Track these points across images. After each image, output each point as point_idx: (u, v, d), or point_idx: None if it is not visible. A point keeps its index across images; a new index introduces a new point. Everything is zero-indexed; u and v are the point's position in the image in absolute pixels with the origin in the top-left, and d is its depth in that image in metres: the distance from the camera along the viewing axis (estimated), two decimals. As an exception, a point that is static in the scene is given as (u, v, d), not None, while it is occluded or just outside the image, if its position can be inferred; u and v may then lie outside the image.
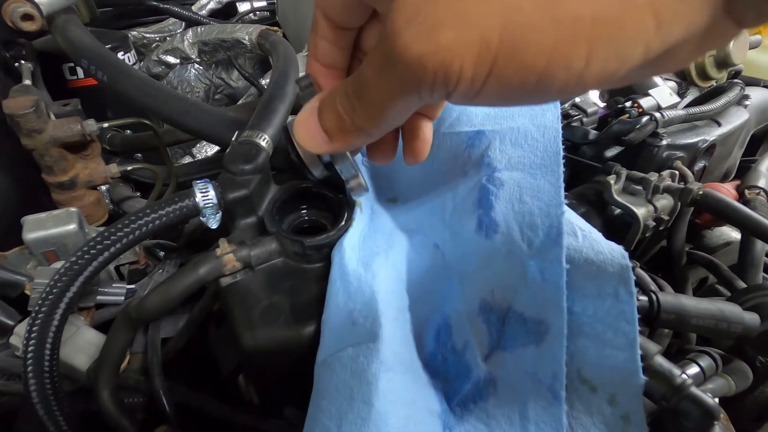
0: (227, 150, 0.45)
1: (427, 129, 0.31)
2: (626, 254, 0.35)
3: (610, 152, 0.65)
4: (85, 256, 0.37)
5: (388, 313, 0.34)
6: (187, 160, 1.00)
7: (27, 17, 0.60)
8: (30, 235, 0.54)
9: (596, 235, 0.37)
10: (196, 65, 1.11)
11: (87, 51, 0.57)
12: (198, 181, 0.41)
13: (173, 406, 0.46)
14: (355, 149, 0.32)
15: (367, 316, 0.34)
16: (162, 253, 0.63)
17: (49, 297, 0.37)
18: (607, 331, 0.34)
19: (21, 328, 0.49)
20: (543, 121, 0.43)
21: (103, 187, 0.68)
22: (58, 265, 0.54)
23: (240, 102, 1.11)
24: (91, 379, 0.46)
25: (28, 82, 0.60)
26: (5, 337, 0.50)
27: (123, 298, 0.56)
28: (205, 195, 0.40)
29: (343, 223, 0.40)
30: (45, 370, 0.38)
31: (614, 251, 0.35)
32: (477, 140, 0.44)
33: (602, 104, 0.68)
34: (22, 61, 0.65)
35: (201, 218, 0.41)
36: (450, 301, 0.38)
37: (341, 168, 0.30)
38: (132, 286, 0.57)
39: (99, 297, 0.55)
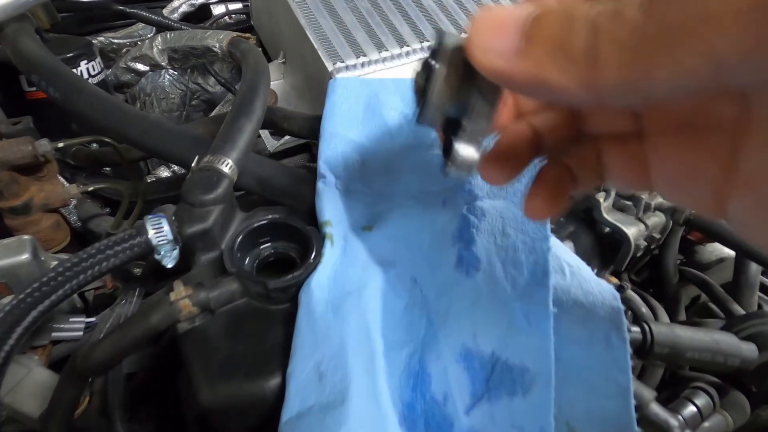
0: (186, 178, 0.42)
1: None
2: (617, 295, 0.32)
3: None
4: (21, 305, 0.33)
5: (358, 364, 0.31)
6: (163, 170, 0.96)
7: (-29, 28, 0.55)
8: (-22, 266, 0.50)
9: (585, 272, 0.34)
10: (170, 71, 1.07)
11: (38, 65, 0.53)
12: (150, 216, 0.37)
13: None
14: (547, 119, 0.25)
15: (336, 368, 0.30)
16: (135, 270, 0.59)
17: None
18: (598, 379, 0.31)
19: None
20: None
21: (72, 203, 0.64)
22: (7, 299, 0.50)
23: (216, 109, 1.06)
24: (42, 429, 0.42)
25: (-27, 98, 0.55)
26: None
27: (81, 333, 0.52)
28: (158, 231, 0.37)
29: (311, 260, 0.37)
30: None
31: (605, 291, 0.32)
32: (457, 165, 0.40)
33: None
34: (-30, 75, 0.60)
35: (156, 256, 0.38)
36: (428, 344, 0.35)
37: (471, 128, 0.22)
38: (92, 320, 0.53)
39: (54, 333, 0.51)
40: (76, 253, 0.35)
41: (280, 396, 0.32)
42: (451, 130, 0.23)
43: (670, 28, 0.13)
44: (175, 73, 1.10)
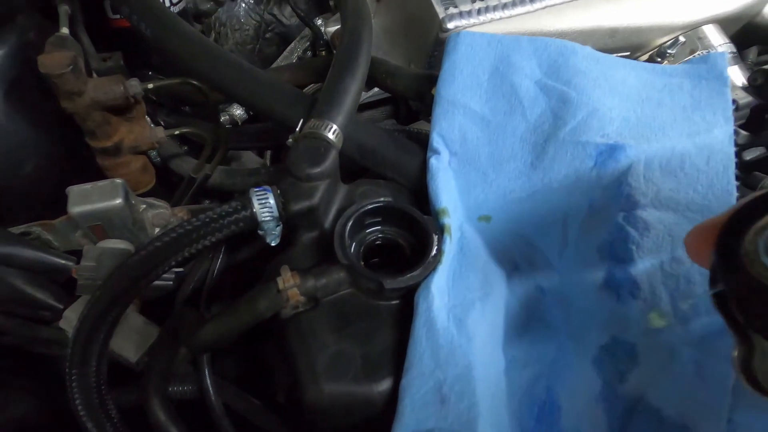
0: (289, 143, 0.37)
1: None
2: None
3: (751, 155, 0.51)
4: (130, 276, 0.32)
5: (486, 392, 0.27)
6: (236, 108, 0.93)
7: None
8: (75, 209, 0.50)
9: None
10: (247, 0, 1.01)
11: (128, -5, 0.49)
12: (256, 189, 0.34)
13: (221, 405, 0.43)
14: None
15: (462, 395, 0.27)
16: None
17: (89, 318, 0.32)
18: None
19: (70, 313, 0.47)
20: (708, 140, 0.32)
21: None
22: (104, 244, 0.51)
23: (292, 45, 1.00)
24: (141, 371, 0.43)
25: (65, 30, 0.52)
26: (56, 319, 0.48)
27: (171, 282, 0.52)
28: (264, 206, 0.33)
29: (430, 258, 0.32)
30: (92, 383, 0.35)
31: None
32: (612, 158, 0.33)
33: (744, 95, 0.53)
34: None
35: (259, 232, 0.35)
36: (559, 372, 0.30)
37: None
38: (181, 269, 0.53)
39: (147, 281, 0.52)
40: (182, 224, 0.33)
41: (389, 400, 0.30)
42: None
43: None
44: (252, 2, 1.03)
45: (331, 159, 0.36)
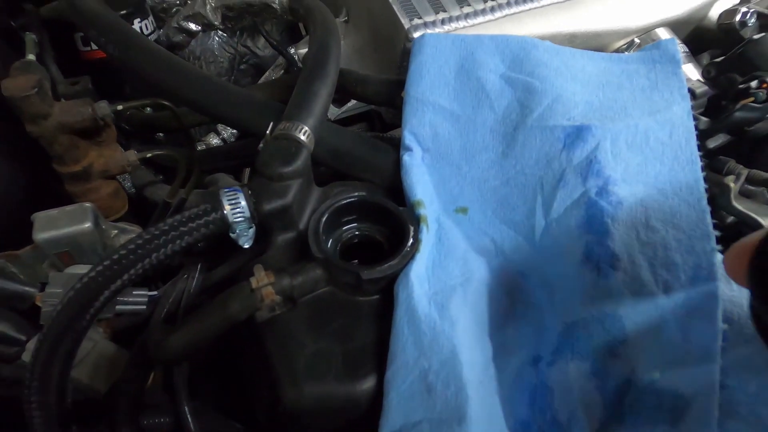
0: (260, 147, 0.37)
1: None
2: None
3: (715, 142, 0.53)
4: (91, 286, 0.30)
5: (473, 377, 0.26)
6: (212, 137, 0.93)
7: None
8: (41, 235, 0.48)
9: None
10: (220, 32, 1.03)
11: (96, 20, 0.49)
12: (226, 190, 0.33)
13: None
14: None
15: (448, 382, 0.26)
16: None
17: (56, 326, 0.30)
18: None
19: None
20: (669, 116, 0.33)
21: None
22: (72, 270, 0.48)
23: (266, 74, 1.01)
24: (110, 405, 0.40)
25: (31, 57, 0.52)
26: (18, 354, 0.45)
27: (144, 306, 0.50)
28: (235, 207, 0.33)
29: (408, 247, 0.32)
30: (50, 403, 0.32)
31: None
32: (579, 138, 0.34)
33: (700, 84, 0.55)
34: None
35: (231, 234, 0.34)
36: (547, 354, 0.29)
37: None
38: (154, 293, 0.51)
39: (118, 306, 0.49)
40: (148, 229, 0.32)
41: (373, 400, 0.28)
42: None
43: None
44: (225, 35, 1.05)
45: (303, 158, 0.36)
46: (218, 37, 1.07)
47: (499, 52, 0.40)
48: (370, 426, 0.27)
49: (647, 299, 0.27)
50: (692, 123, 0.33)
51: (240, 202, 0.33)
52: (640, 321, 0.27)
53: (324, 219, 0.33)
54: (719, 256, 0.26)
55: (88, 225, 0.48)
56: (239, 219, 0.33)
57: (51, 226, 0.48)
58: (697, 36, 0.72)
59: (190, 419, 0.41)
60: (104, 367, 0.45)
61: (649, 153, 0.32)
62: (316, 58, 0.45)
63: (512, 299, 0.32)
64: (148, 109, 0.75)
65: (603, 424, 0.27)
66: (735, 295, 0.26)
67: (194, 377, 0.46)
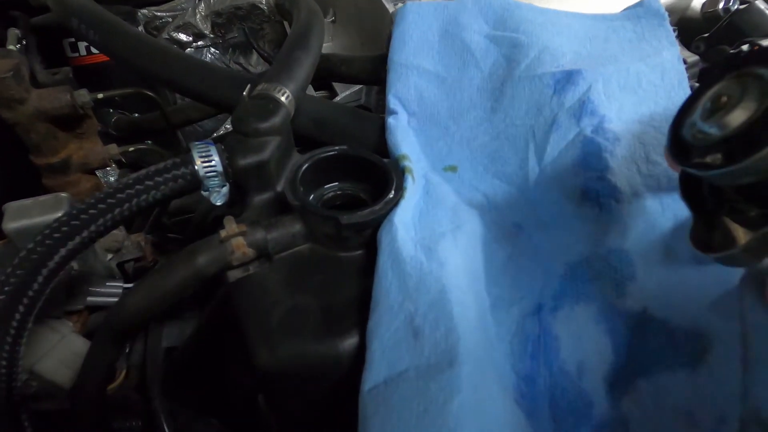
0: (237, 106, 0.35)
1: None
2: None
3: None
4: (47, 242, 0.27)
5: (465, 318, 0.23)
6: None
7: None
8: (11, 224, 0.45)
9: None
10: (212, 49, 1.04)
11: (77, 8, 0.49)
12: (197, 143, 0.31)
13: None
14: None
15: (437, 323, 0.23)
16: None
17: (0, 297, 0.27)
18: None
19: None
20: (659, 60, 0.32)
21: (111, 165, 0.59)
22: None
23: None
24: (72, 402, 0.36)
25: (12, 47, 0.51)
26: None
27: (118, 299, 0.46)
28: (207, 161, 0.30)
29: (391, 194, 0.29)
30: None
31: None
32: (570, 83, 0.32)
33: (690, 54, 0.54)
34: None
35: (203, 192, 0.31)
36: (549, 301, 0.26)
37: None
38: (129, 285, 0.48)
39: (90, 298, 0.46)
40: (111, 183, 0.29)
41: (356, 358, 0.25)
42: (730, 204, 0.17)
43: None
44: (217, 52, 1.07)
45: (282, 116, 0.34)
46: (210, 53, 1.08)
47: (482, 14, 0.40)
48: (354, 390, 0.24)
49: (656, 230, 0.24)
50: (683, 67, 0.32)
51: (212, 156, 0.31)
52: (649, 252, 0.24)
53: (303, 169, 0.31)
54: None
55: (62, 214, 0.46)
56: (211, 173, 0.30)
57: (22, 216, 0.46)
58: (682, 26, 0.72)
59: (164, 421, 0.37)
60: (70, 363, 0.42)
61: (643, 94, 0.31)
62: (299, 32, 0.44)
63: (509, 251, 0.30)
64: (135, 114, 0.74)
65: (615, 372, 0.24)
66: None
67: (173, 377, 0.42)
